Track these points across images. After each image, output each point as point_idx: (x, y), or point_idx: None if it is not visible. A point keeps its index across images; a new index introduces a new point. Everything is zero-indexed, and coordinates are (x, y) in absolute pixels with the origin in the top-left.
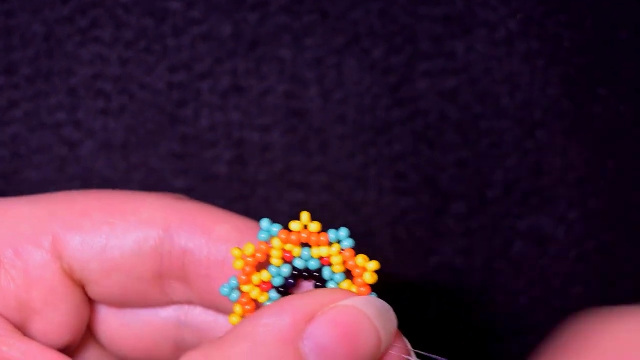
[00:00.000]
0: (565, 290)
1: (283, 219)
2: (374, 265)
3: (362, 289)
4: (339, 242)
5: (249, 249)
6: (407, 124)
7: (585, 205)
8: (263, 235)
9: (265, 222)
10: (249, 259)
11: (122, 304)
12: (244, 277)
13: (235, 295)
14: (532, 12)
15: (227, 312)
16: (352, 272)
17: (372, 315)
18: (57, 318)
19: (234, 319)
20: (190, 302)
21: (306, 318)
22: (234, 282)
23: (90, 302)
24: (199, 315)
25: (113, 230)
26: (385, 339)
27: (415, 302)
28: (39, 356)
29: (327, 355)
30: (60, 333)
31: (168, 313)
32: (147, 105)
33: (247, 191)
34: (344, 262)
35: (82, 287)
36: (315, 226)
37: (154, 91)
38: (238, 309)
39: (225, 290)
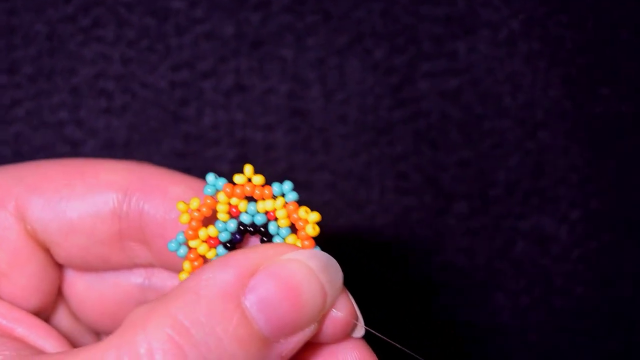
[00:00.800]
0: (566, 290)
1: None
2: (315, 216)
3: (306, 242)
4: (283, 195)
5: (194, 202)
6: (409, 124)
7: (587, 206)
8: (209, 190)
9: (210, 176)
10: (195, 213)
11: (86, 266)
12: (190, 232)
13: (183, 250)
14: (533, 13)
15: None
16: (295, 226)
17: (316, 268)
18: (23, 280)
19: (183, 276)
20: (152, 265)
21: (248, 272)
22: (180, 237)
23: (59, 268)
24: (161, 278)
25: (72, 192)
26: (330, 292)
27: (417, 300)
28: (7, 313)
29: (269, 308)
30: (27, 296)
31: (132, 276)
32: (149, 104)
33: None
34: (288, 216)
35: (47, 250)
36: (258, 179)
37: (157, 90)
38: (187, 265)
39: (173, 245)
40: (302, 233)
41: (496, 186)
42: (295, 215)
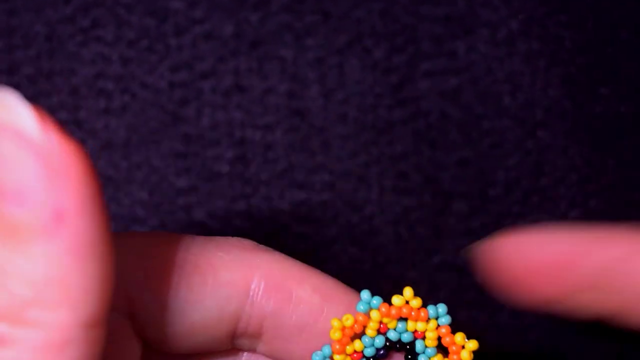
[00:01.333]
0: None
1: (285, 217)
2: (473, 345)
3: None
4: (436, 317)
5: (349, 320)
6: (408, 124)
7: (586, 205)
8: (362, 307)
9: (365, 294)
10: (347, 330)
11: (186, 357)
12: (338, 347)
13: None
14: (533, 13)
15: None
16: (448, 348)
17: None
18: None
19: None
20: (253, 350)
21: None
22: (327, 351)
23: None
24: (254, 357)
25: (191, 293)
26: None
27: None
28: None
29: None
30: None
31: (228, 356)
32: (148, 104)
33: (249, 190)
34: (440, 338)
35: (145, 339)
36: (416, 302)
37: (156, 90)
38: None
39: (318, 358)
40: (455, 357)
41: (496, 186)
42: (447, 339)
